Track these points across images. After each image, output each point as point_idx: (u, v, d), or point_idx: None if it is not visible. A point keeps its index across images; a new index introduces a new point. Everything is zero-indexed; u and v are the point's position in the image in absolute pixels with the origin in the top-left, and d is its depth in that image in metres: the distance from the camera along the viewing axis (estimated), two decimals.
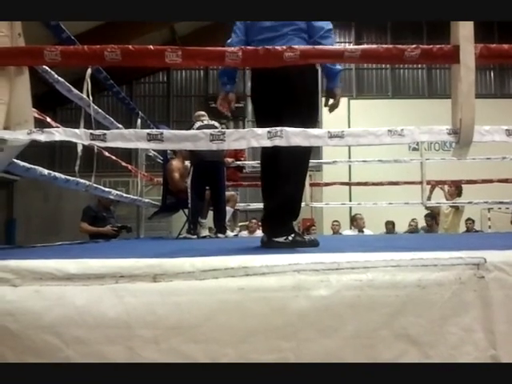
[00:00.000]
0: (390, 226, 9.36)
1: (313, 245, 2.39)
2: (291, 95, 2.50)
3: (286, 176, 2.47)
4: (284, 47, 2.07)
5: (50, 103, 11.78)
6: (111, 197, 4.54)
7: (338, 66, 2.60)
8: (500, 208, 10.47)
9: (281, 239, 2.39)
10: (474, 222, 9.47)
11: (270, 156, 2.52)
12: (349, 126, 13.30)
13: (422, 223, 9.14)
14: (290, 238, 2.39)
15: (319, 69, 2.75)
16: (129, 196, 5.36)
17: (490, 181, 6.57)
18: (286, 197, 2.48)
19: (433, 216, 8.08)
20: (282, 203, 2.48)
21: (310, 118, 2.50)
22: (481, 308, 1.26)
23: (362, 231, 8.38)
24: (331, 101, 2.70)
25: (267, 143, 2.03)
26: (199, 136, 2.06)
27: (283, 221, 2.46)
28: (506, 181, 6.53)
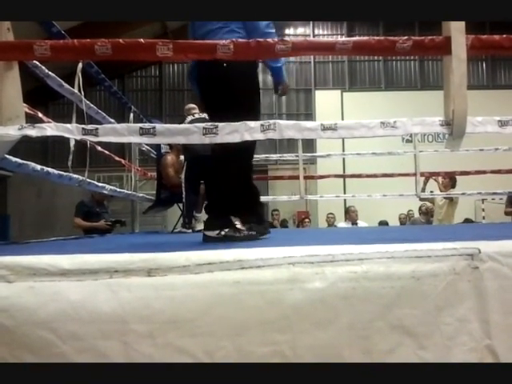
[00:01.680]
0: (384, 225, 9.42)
1: (249, 239, 2.36)
2: (228, 95, 2.45)
3: (221, 172, 2.49)
4: (276, 40, 2.06)
5: (42, 98, 11.70)
6: (105, 192, 4.53)
7: (279, 64, 2.57)
8: (494, 199, 10.51)
9: (212, 234, 2.39)
10: (472, 222, 9.48)
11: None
12: (342, 119, 13.31)
13: (416, 215, 9.19)
14: (222, 232, 2.38)
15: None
16: (123, 191, 5.34)
17: (484, 172, 6.59)
18: (220, 192, 2.49)
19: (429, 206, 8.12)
20: (216, 198, 2.51)
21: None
22: (475, 298, 1.26)
23: (356, 223, 8.40)
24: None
25: (260, 136, 2.03)
26: (192, 130, 2.06)
27: (217, 215, 2.46)
28: (499, 172, 6.54)
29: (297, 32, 15.43)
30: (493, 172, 6.55)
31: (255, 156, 8.96)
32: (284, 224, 11.15)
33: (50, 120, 3.34)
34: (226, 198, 2.48)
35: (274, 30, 2.43)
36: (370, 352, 1.21)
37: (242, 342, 1.17)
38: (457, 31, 1.98)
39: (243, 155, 2.50)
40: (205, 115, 5.36)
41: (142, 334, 1.15)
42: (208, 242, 2.31)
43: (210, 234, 2.39)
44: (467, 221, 8.98)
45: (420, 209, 8.31)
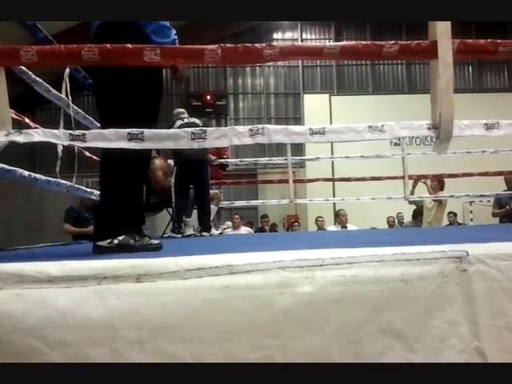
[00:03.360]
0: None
1: (147, 249, 2.10)
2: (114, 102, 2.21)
3: (109, 176, 2.22)
4: (264, 45, 2.07)
5: (29, 104, 11.63)
6: (93, 197, 4.50)
7: (165, 40, 2.14)
8: (481, 201, 10.61)
9: (104, 243, 2.11)
10: (456, 215, 9.62)
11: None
12: (330, 122, 13.37)
13: (406, 218, 9.27)
14: (115, 241, 2.11)
15: None
16: None
17: (471, 174, 6.65)
18: (108, 198, 2.23)
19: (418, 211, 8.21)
20: (104, 204, 2.24)
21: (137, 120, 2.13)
22: (464, 301, 1.27)
23: (346, 227, 8.41)
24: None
25: (249, 141, 2.03)
26: (180, 135, 2.06)
27: (107, 222, 2.18)
28: (486, 174, 6.60)
29: (285, 36, 15.50)
30: (480, 174, 6.61)
31: (244, 159, 8.95)
32: (273, 228, 11.17)
33: (38, 126, 3.32)
34: (117, 202, 2.21)
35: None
36: (360, 356, 1.21)
37: (231, 348, 1.17)
38: (443, 35, 2.00)
39: (133, 166, 2.22)
40: (194, 119, 5.38)
41: (131, 341, 1.14)
42: (100, 254, 2.02)
43: (101, 243, 2.11)
44: (451, 213, 9.10)
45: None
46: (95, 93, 2.34)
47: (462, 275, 1.28)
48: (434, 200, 7.29)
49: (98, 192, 4.53)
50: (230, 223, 8.41)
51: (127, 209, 2.24)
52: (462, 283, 1.27)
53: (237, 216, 8.52)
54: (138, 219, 2.31)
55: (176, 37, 2.18)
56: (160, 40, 2.12)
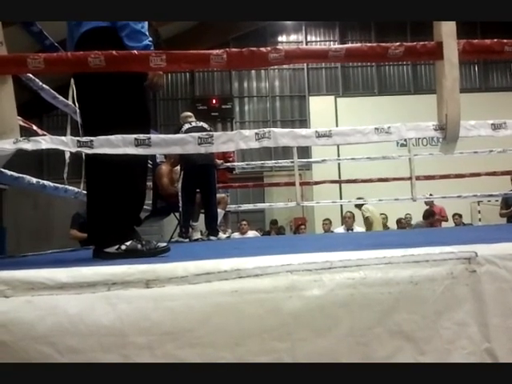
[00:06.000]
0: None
1: (155, 253, 2.09)
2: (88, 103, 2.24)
3: (107, 180, 2.17)
4: (269, 48, 2.07)
5: (36, 110, 11.69)
6: None
7: (139, 44, 2.12)
8: (489, 201, 10.56)
9: (111, 249, 2.09)
10: (461, 216, 9.59)
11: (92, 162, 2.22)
12: (336, 124, 13.36)
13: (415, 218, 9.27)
14: (123, 246, 2.09)
15: None
16: None
17: (478, 174, 6.62)
18: (108, 202, 2.17)
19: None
20: (104, 209, 2.18)
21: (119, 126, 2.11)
22: (473, 302, 1.26)
23: (352, 229, 8.38)
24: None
25: (255, 145, 2.04)
26: (187, 140, 2.06)
27: (113, 227, 2.14)
28: (493, 174, 6.58)
29: (289, 39, 15.50)
30: (488, 174, 6.59)
31: (251, 163, 8.93)
32: (280, 231, 11.17)
33: (45, 132, 3.35)
34: (114, 208, 2.16)
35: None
36: (369, 358, 1.20)
37: (241, 352, 1.17)
38: (448, 36, 2.00)
39: (128, 168, 2.17)
40: (201, 123, 5.39)
41: (141, 346, 1.15)
42: (106, 260, 1.99)
43: (108, 250, 2.09)
44: (456, 215, 9.16)
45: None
46: (78, 102, 2.34)
47: (471, 276, 1.27)
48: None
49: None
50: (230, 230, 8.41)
51: (131, 213, 2.23)
52: (472, 284, 1.27)
53: (244, 222, 8.57)
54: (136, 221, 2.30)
55: (150, 43, 2.17)
56: (131, 44, 2.12)
